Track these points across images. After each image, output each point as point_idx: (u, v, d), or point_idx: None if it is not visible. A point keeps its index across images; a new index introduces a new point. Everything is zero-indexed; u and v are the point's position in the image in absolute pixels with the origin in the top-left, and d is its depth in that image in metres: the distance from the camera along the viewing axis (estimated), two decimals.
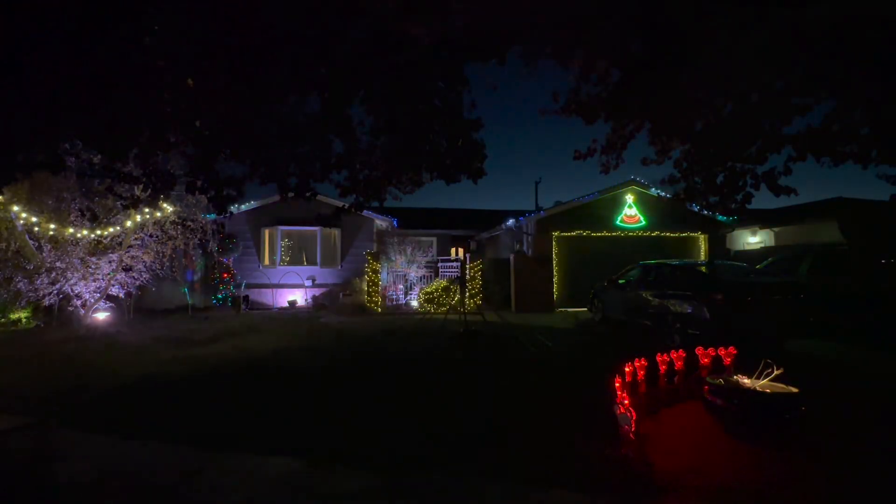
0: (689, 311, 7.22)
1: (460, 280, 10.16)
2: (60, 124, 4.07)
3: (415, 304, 13.31)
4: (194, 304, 12.87)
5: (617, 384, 3.70)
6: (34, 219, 8.50)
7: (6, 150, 4.03)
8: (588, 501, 2.68)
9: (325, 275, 14.56)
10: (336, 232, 14.74)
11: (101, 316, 9.81)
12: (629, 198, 13.53)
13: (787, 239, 14.53)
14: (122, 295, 10.30)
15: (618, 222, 13.48)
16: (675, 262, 9.16)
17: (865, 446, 3.47)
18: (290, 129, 4.71)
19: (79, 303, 9.46)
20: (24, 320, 9.47)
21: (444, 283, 13.00)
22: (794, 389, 3.70)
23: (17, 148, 4.13)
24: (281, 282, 14.12)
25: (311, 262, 14.54)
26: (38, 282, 8.84)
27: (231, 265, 13.59)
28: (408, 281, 13.91)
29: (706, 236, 14.00)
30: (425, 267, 14.27)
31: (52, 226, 8.70)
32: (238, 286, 13.55)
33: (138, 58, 3.77)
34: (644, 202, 13.59)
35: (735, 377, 4.01)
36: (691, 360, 4.67)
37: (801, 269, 9.02)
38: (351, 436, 3.67)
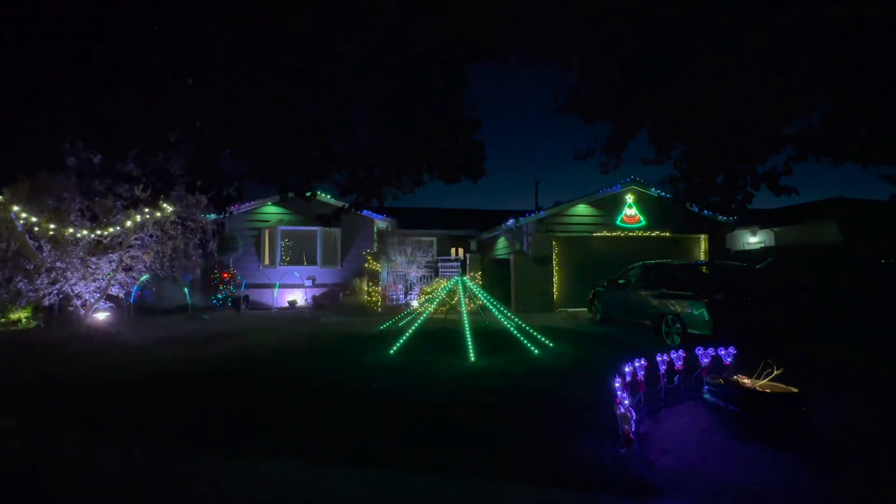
0: (689, 311, 7.22)
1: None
2: (60, 124, 4.07)
3: (415, 304, 13.31)
4: (194, 303, 12.86)
5: (617, 384, 3.70)
6: (34, 219, 8.49)
7: (6, 150, 4.04)
8: (588, 501, 2.68)
9: (326, 275, 14.56)
10: (336, 232, 14.74)
11: (101, 316, 9.80)
12: (629, 198, 13.52)
13: (788, 239, 14.53)
14: (121, 295, 10.29)
15: (618, 222, 13.47)
16: (675, 262, 9.15)
17: (865, 446, 3.47)
18: (290, 128, 4.71)
19: (79, 303, 9.46)
20: (23, 320, 9.46)
21: (444, 282, 12.99)
22: (794, 389, 3.70)
23: (17, 148, 4.14)
24: (281, 282, 14.12)
25: (312, 262, 14.54)
26: (38, 282, 8.83)
27: (231, 265, 13.59)
28: (408, 281, 13.91)
29: (706, 236, 14.00)
30: (425, 267, 14.26)
31: (52, 226, 8.69)
32: (238, 286, 13.55)
33: (138, 58, 3.77)
34: (644, 202, 13.59)
35: (735, 377, 4.01)
36: (691, 360, 4.67)
37: (800, 268, 9.01)
38: (355, 436, 3.67)
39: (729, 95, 4.31)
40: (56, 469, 3.16)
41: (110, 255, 9.63)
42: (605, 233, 13.49)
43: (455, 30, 4.00)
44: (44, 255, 8.87)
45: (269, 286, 14.05)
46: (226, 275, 13.32)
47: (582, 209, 13.46)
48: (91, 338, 8.31)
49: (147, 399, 4.70)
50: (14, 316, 9.40)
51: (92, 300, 9.62)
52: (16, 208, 8.32)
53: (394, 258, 13.69)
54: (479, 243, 18.52)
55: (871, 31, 3.47)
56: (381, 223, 15.69)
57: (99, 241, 9.45)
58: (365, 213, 13.91)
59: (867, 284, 7.86)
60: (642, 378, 4.22)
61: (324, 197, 14.18)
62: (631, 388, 4.07)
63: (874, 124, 4.01)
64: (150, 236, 10.03)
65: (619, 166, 5.48)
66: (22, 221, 8.49)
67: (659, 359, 4.50)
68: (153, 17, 3.72)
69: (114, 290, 10.02)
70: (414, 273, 13.89)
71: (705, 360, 4.51)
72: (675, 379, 4.63)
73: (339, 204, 13.88)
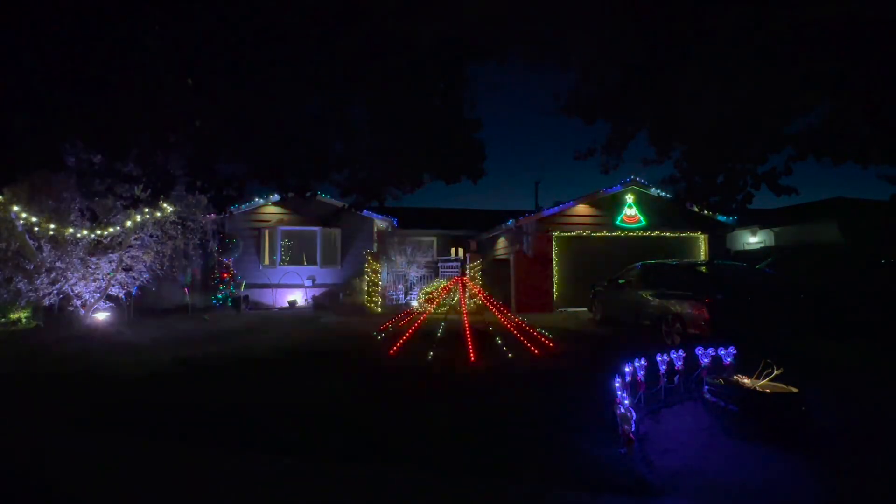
0: (689, 311, 7.21)
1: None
2: (60, 124, 4.07)
3: (415, 304, 13.31)
4: (194, 304, 12.85)
5: (617, 384, 3.69)
6: (34, 219, 8.48)
7: (6, 150, 4.04)
8: (588, 501, 2.68)
9: (326, 275, 14.55)
10: (336, 232, 14.73)
11: (101, 316, 9.80)
12: (629, 198, 13.52)
13: (787, 239, 14.53)
14: (121, 295, 10.29)
15: (618, 222, 13.47)
16: (675, 262, 9.15)
17: (865, 446, 3.47)
18: (290, 129, 4.72)
19: (79, 303, 9.46)
20: (23, 320, 9.46)
21: (444, 283, 12.99)
22: (794, 389, 3.69)
23: (17, 148, 4.14)
24: (281, 282, 14.11)
25: (312, 262, 14.53)
26: (38, 282, 8.83)
27: (231, 265, 13.58)
28: (408, 281, 13.90)
29: (706, 236, 14.00)
30: (425, 267, 14.26)
31: (52, 226, 8.69)
32: (238, 286, 13.54)
33: (138, 58, 3.77)
34: (644, 202, 13.59)
35: (735, 377, 4.01)
36: (691, 360, 4.67)
37: (800, 268, 9.01)
38: (355, 438, 3.68)
39: (729, 95, 4.31)
40: (54, 468, 3.15)
41: (110, 255, 9.63)
42: (605, 233, 13.49)
43: (455, 30, 4.00)
44: (44, 255, 8.87)
45: (269, 286, 14.04)
46: (226, 275, 13.31)
47: (582, 209, 13.47)
48: (91, 338, 8.31)
49: (146, 399, 4.70)
50: (14, 316, 9.39)
51: (92, 300, 9.62)
52: (16, 208, 8.32)
53: (394, 258, 13.68)
54: (479, 243, 18.51)
55: (871, 30, 3.47)
56: (381, 223, 15.69)
57: (99, 241, 9.45)
58: (365, 213, 13.91)
59: (867, 284, 7.86)
60: (642, 378, 4.21)
61: (324, 197, 14.18)
62: (631, 387, 4.07)
63: (874, 124, 4.01)
64: (150, 236, 10.03)
65: (619, 166, 5.50)
66: (22, 221, 8.48)
67: (659, 359, 4.49)
68: (153, 17, 3.72)
69: (114, 290, 10.02)
70: (414, 273, 13.89)
71: (705, 360, 4.50)
72: (675, 379, 4.63)
73: (339, 204, 13.90)
